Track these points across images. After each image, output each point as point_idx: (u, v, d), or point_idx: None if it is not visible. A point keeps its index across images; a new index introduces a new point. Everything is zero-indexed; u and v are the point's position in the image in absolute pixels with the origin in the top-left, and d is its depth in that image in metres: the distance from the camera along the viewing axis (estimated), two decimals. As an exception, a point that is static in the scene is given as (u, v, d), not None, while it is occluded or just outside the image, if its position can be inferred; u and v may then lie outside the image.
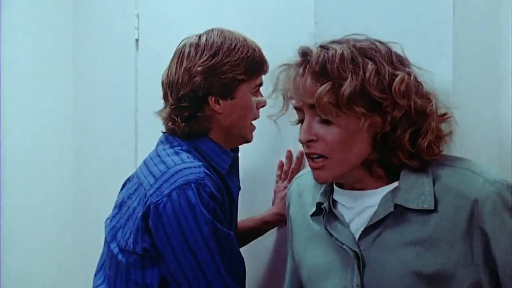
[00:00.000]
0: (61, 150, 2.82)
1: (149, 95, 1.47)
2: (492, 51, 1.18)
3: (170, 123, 1.40)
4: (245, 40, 1.41)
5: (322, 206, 1.08)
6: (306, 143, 1.02)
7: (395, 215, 1.00)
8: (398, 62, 1.01)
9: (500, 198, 0.95)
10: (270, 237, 1.61)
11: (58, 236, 2.77)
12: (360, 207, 1.04)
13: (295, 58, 1.04)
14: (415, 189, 0.99)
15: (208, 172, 1.31)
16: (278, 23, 1.60)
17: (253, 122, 1.45)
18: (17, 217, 2.72)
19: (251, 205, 1.66)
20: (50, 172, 2.80)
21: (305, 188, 1.18)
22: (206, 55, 1.37)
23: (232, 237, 1.31)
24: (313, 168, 1.04)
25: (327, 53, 0.99)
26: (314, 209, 1.11)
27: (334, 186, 1.10)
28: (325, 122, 0.99)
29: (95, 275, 1.46)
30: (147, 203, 1.28)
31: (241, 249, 1.57)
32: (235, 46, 1.38)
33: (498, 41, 1.18)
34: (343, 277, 1.03)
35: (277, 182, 1.59)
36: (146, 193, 1.30)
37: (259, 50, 1.42)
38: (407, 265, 0.97)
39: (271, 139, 1.62)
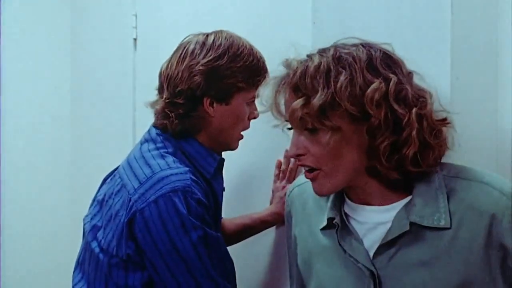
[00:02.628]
0: (59, 149, 2.81)
1: (147, 94, 1.46)
2: (490, 51, 1.18)
3: (163, 118, 1.37)
4: (252, 49, 1.39)
5: (334, 222, 1.05)
6: (295, 157, 1.01)
7: (411, 233, 0.97)
8: (383, 66, 0.97)
9: None
10: (268, 236, 1.60)
11: (56, 234, 2.77)
12: (371, 223, 1.02)
13: (282, 70, 1.03)
14: (429, 205, 0.97)
15: (195, 178, 1.29)
16: (276, 23, 1.59)
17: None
18: (16, 216, 2.71)
19: (249, 204, 1.66)
20: (48, 172, 2.80)
21: (309, 197, 1.15)
22: (211, 55, 1.35)
23: (220, 239, 1.30)
24: (309, 179, 1.03)
25: (306, 66, 0.98)
26: (324, 223, 1.08)
27: (345, 197, 1.07)
28: (311, 131, 0.98)
29: (74, 271, 1.45)
30: (133, 209, 1.26)
31: (238, 248, 1.57)
32: (241, 52, 1.37)
33: (496, 42, 1.18)
34: None
35: (275, 181, 1.58)
36: (130, 198, 1.28)
37: (264, 62, 1.41)
38: (424, 285, 0.95)
39: (269, 138, 1.61)
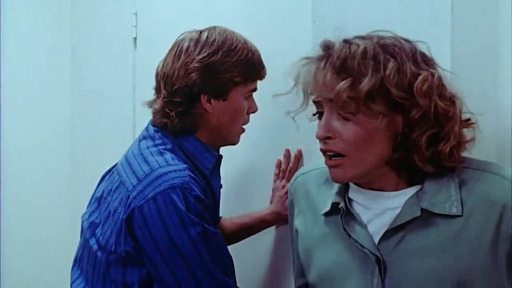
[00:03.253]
0: (59, 147, 2.81)
1: (147, 93, 1.45)
2: (490, 50, 1.18)
3: (163, 117, 1.37)
4: (246, 43, 1.39)
5: (340, 206, 1.05)
6: (323, 140, 0.99)
7: (420, 220, 0.97)
8: (422, 61, 0.98)
9: None
10: (268, 235, 1.61)
11: (56, 233, 2.77)
12: (379, 208, 1.01)
13: (317, 51, 1.01)
14: (441, 193, 0.97)
15: (193, 175, 1.29)
16: (276, 22, 1.59)
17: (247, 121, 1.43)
18: (16, 216, 2.71)
19: (249, 203, 1.66)
20: (48, 171, 2.79)
21: (313, 186, 1.15)
22: (205, 51, 1.35)
23: (219, 235, 1.30)
24: (330, 167, 1.01)
25: (349, 48, 0.96)
26: (328, 208, 1.08)
27: (351, 183, 1.07)
28: (344, 118, 0.97)
29: (72, 268, 1.45)
30: (131, 206, 1.26)
31: (239, 247, 1.57)
32: (235, 47, 1.36)
33: (497, 41, 1.18)
34: (362, 280, 1.00)
35: (275, 180, 1.58)
36: (129, 195, 1.28)
37: (259, 55, 1.40)
38: (431, 272, 0.95)
39: (270, 137, 1.62)
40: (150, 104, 1.42)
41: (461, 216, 0.95)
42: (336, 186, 1.08)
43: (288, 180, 1.52)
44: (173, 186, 1.24)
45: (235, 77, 1.35)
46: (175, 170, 1.27)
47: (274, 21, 1.60)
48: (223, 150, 1.45)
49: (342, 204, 1.05)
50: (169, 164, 1.29)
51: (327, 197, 1.09)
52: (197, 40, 1.36)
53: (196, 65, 1.34)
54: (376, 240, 1.00)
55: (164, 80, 1.37)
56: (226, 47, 1.35)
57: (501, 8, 1.17)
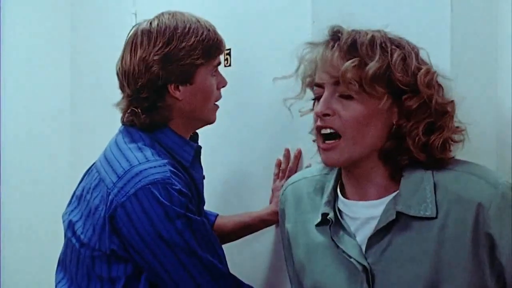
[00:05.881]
0: (59, 147, 2.80)
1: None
2: (490, 50, 1.18)
3: (130, 115, 1.36)
4: (198, 21, 1.36)
5: (328, 217, 1.06)
6: (322, 116, 1.00)
7: (400, 224, 0.98)
8: (422, 60, 1.02)
9: (504, 200, 0.94)
10: (267, 234, 1.60)
11: (56, 233, 2.76)
12: (364, 218, 1.03)
13: (323, 36, 1.04)
14: (416, 195, 0.98)
15: (174, 170, 1.28)
16: (275, 22, 1.59)
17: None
18: (16, 216, 2.71)
19: (249, 203, 1.66)
20: (47, 172, 2.79)
21: (303, 195, 1.16)
22: (160, 42, 1.32)
23: (205, 223, 1.29)
24: (323, 150, 1.02)
25: (359, 34, 1.00)
26: (318, 219, 1.08)
27: (339, 193, 1.08)
28: (346, 97, 0.99)
29: (56, 271, 1.43)
30: (113, 203, 1.25)
31: (238, 246, 1.57)
32: (189, 29, 1.33)
33: (496, 40, 1.18)
34: None
35: (274, 180, 1.58)
36: (109, 192, 1.27)
37: (214, 30, 1.38)
38: (415, 279, 0.95)
39: (270, 137, 1.61)
40: (118, 104, 1.41)
41: (435, 218, 0.96)
42: (325, 196, 1.09)
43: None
44: (154, 181, 1.24)
45: (196, 60, 1.33)
46: (155, 167, 1.26)
47: (273, 21, 1.60)
48: (222, 151, 1.45)
49: (331, 215, 1.05)
50: (148, 161, 1.28)
51: (317, 207, 1.10)
52: (149, 31, 1.34)
53: (154, 58, 1.32)
54: (364, 249, 1.01)
55: (126, 78, 1.36)
56: (179, 31, 1.33)
57: (501, 7, 1.17)
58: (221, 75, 1.41)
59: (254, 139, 1.51)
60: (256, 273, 1.64)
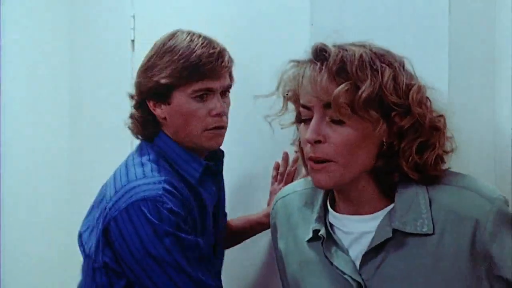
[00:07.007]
0: (57, 151, 2.80)
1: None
2: (488, 54, 1.18)
3: (131, 125, 1.39)
4: (191, 41, 1.30)
5: (319, 234, 1.04)
6: (313, 143, 0.98)
7: (395, 241, 0.96)
8: (410, 74, 1.00)
9: (500, 215, 0.93)
10: (266, 237, 1.60)
11: (56, 235, 2.77)
12: (357, 233, 1.01)
13: (306, 55, 1.01)
14: (411, 211, 0.96)
15: (169, 188, 1.25)
16: (274, 24, 1.59)
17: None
18: (15, 216, 2.71)
19: (248, 206, 1.65)
20: (46, 173, 2.79)
21: (294, 210, 1.14)
22: (147, 56, 1.34)
23: (199, 244, 1.27)
24: (314, 171, 0.99)
25: (346, 53, 0.96)
26: (310, 235, 1.07)
27: (329, 208, 1.07)
28: (337, 122, 0.96)
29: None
30: (107, 217, 1.26)
31: (236, 250, 1.57)
32: (173, 48, 1.29)
33: (494, 44, 1.18)
34: None
35: (272, 183, 1.58)
36: (106, 206, 1.28)
37: (206, 54, 1.29)
38: None
39: (268, 140, 1.61)
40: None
41: (433, 234, 0.94)
42: (315, 211, 1.07)
43: (286, 183, 1.52)
44: (143, 198, 1.23)
45: (162, 79, 1.29)
46: (148, 183, 1.26)
47: (272, 24, 1.60)
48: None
49: (322, 231, 1.04)
50: (145, 177, 1.28)
51: (308, 221, 1.08)
52: (153, 44, 1.36)
53: (140, 70, 1.34)
54: (358, 265, 0.99)
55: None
56: (164, 48, 1.31)
57: (499, 10, 1.17)
58: (217, 101, 1.32)
59: (252, 142, 1.51)
60: (253, 276, 1.63)
